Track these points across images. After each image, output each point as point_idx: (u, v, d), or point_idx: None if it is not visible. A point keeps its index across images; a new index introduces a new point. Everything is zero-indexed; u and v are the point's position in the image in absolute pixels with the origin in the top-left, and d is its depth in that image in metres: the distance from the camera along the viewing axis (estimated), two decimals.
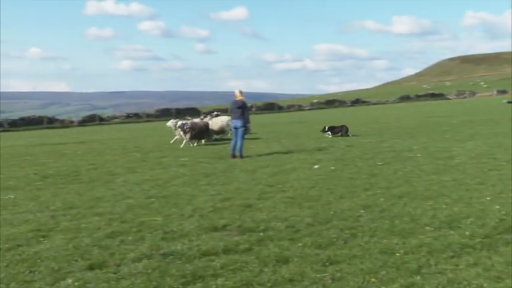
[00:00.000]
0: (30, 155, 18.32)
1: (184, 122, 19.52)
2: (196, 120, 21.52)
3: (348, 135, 20.30)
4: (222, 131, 21.21)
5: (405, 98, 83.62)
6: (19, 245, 6.26)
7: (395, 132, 21.62)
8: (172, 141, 20.60)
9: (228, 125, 20.71)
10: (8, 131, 46.94)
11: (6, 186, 11.32)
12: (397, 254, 5.38)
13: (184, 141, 19.19)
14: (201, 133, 19.61)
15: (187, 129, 19.00)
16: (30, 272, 5.27)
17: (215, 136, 21.04)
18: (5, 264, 5.56)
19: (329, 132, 20.83)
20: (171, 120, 21.28)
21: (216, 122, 21.10)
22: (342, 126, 21.08)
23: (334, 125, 21.65)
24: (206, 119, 21.77)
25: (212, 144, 19.66)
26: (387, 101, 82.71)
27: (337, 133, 20.68)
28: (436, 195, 8.23)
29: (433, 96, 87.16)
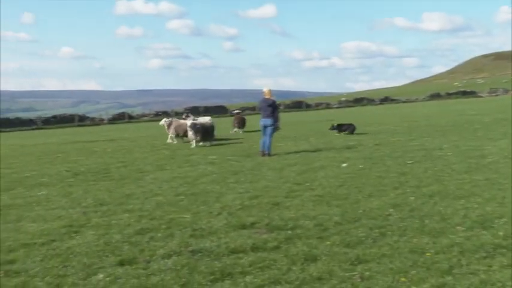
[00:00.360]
0: (62, 153, 18.68)
1: (194, 121, 19.14)
2: (182, 121, 21.24)
3: (353, 133, 20.84)
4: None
5: (435, 96, 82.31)
6: (52, 240, 6.41)
7: (425, 130, 21.30)
8: (167, 141, 20.56)
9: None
10: (41, 128, 47.97)
11: (39, 182, 11.57)
12: (428, 254, 5.31)
13: (193, 141, 18.48)
14: (208, 134, 18.97)
15: (198, 129, 18.37)
16: (64, 266, 5.39)
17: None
18: (40, 258, 5.69)
19: (337, 130, 21.40)
20: (164, 119, 21.33)
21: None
22: (350, 124, 21.72)
23: (342, 122, 22.37)
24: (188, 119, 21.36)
25: (240, 143, 19.69)
26: (417, 99, 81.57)
27: (344, 131, 21.16)
28: (468, 194, 8.08)
29: (465, 94, 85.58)
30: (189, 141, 19.19)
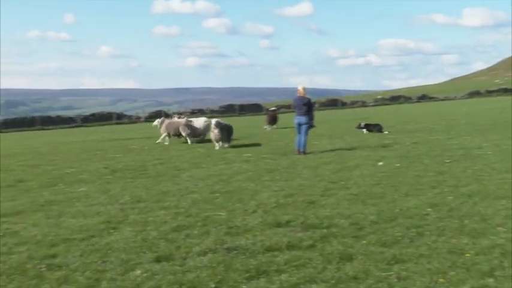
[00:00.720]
0: (100, 150, 19.05)
1: (218, 120, 17.94)
2: (174, 120, 21.14)
3: (382, 132, 20.76)
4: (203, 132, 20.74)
5: (475, 94, 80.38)
6: (92, 236, 6.55)
7: (464, 129, 20.85)
8: (158, 141, 20.50)
9: (206, 126, 20.58)
10: (81, 126, 49.02)
11: (79, 179, 11.84)
12: (467, 255, 5.21)
13: (217, 143, 17.26)
14: (230, 133, 17.77)
15: (224, 128, 17.24)
16: (102, 261, 5.51)
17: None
18: (80, 253, 5.83)
19: (365, 129, 21.34)
20: (157, 120, 21.21)
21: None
22: (376, 124, 21.76)
23: (369, 122, 22.32)
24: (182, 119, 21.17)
25: (276, 141, 19.68)
26: (455, 96, 79.86)
27: (371, 130, 21.13)
28: (509, 194, 7.87)
29: (506, 91, 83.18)
30: (184, 141, 19.15)
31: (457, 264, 4.98)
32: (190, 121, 20.49)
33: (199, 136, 20.81)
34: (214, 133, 17.19)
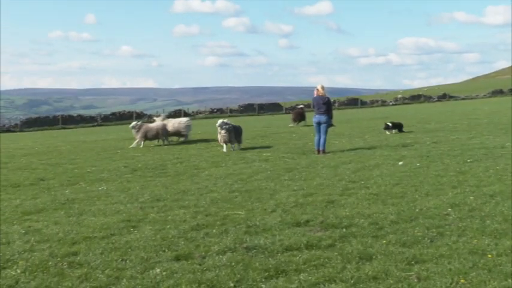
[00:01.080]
0: (120, 149, 19.20)
1: (225, 120, 17.14)
2: (151, 124, 20.37)
3: (403, 132, 20.30)
4: (177, 133, 20.58)
5: (498, 93, 79.23)
6: (112, 234, 6.61)
7: (485, 128, 20.55)
8: (132, 145, 19.40)
9: (186, 126, 20.65)
10: (101, 125, 49.56)
11: (99, 178, 11.97)
12: (489, 256, 5.14)
13: (225, 144, 16.57)
14: (238, 134, 16.99)
15: (230, 129, 16.52)
16: (122, 260, 5.55)
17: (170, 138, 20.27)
18: (100, 251, 5.89)
19: (393, 129, 20.55)
20: (135, 123, 20.05)
21: (173, 124, 20.61)
22: (399, 123, 21.19)
23: (393, 121, 21.71)
24: (158, 120, 20.84)
25: (295, 139, 19.64)
26: (477, 95, 78.84)
27: (393, 129, 20.53)
28: None
29: None
30: (161, 144, 18.68)
31: (479, 265, 4.91)
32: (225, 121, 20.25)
33: (182, 136, 20.80)
34: (221, 134, 16.55)
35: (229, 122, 16.96)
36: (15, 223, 7.53)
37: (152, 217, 7.48)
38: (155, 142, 20.16)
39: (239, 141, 16.99)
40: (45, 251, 5.98)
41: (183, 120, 21.52)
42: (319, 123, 14.78)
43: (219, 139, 16.86)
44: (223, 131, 16.42)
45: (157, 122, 20.42)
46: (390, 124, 20.65)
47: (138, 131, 19.35)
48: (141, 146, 19.20)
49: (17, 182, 11.67)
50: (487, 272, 4.73)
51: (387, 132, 20.21)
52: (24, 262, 5.59)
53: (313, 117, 15.13)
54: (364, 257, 5.27)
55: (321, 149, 14.63)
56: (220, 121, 16.79)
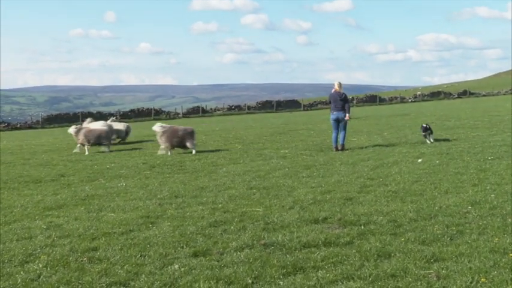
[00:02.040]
0: (139, 146, 19.34)
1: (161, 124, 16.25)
2: (93, 126, 18.90)
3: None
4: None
5: None
6: (131, 230, 6.67)
7: (507, 125, 20.23)
8: (74, 150, 17.84)
9: (127, 129, 20.68)
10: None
11: (118, 174, 12.07)
12: (511, 254, 5.07)
13: (166, 150, 15.71)
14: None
15: (163, 132, 15.81)
16: (141, 256, 5.60)
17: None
18: (119, 247, 5.95)
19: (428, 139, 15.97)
20: (73, 127, 18.30)
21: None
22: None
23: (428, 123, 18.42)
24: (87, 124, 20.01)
25: (313, 137, 19.58)
26: (499, 92, 77.73)
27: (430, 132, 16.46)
28: None
29: None
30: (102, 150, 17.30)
31: (500, 264, 4.85)
32: (110, 125, 19.54)
33: (123, 139, 20.70)
34: (160, 139, 15.88)
35: (166, 125, 16.26)
36: (37, 218, 7.65)
37: (170, 213, 7.52)
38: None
39: (191, 145, 15.67)
40: (66, 246, 6.06)
41: (120, 124, 20.96)
42: (337, 120, 14.75)
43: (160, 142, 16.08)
44: (160, 135, 15.77)
45: (102, 126, 18.99)
46: (427, 126, 15.67)
47: (77, 135, 17.75)
48: (87, 152, 17.10)
49: (39, 178, 11.84)
50: (509, 271, 4.66)
51: (427, 141, 15.28)
52: (45, 257, 5.67)
53: (330, 114, 15.10)
54: (382, 255, 5.25)
55: (341, 143, 14.61)
56: (157, 125, 16.14)
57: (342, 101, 14.80)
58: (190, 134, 15.90)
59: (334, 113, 14.86)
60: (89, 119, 22.24)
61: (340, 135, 14.74)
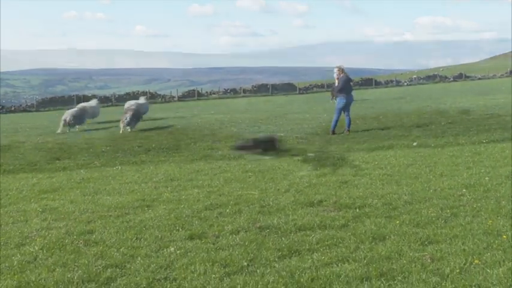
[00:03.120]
0: (134, 129, 19.26)
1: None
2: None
3: None
4: None
5: None
6: (126, 213, 6.68)
7: (503, 108, 20.26)
8: (58, 131, 19.27)
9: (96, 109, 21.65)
10: (116, 105, 49.73)
11: (114, 157, 12.05)
12: (504, 236, 5.11)
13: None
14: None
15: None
16: (137, 238, 5.62)
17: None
18: (115, 230, 5.96)
19: None
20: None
21: None
22: None
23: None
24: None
25: (308, 120, 19.56)
26: (494, 75, 77.71)
27: None
28: None
29: None
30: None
31: (493, 245, 4.89)
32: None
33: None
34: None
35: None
36: (33, 201, 7.65)
37: (166, 196, 7.54)
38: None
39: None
40: (61, 229, 6.07)
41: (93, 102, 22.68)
42: (349, 104, 14.82)
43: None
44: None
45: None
46: None
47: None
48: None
49: (34, 161, 11.82)
50: (502, 253, 4.71)
51: None
52: (42, 239, 5.69)
53: (342, 99, 14.75)
54: (377, 237, 5.28)
55: (347, 128, 14.65)
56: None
57: (351, 84, 15.31)
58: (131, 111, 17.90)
59: (348, 97, 14.81)
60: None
61: (346, 119, 14.79)
